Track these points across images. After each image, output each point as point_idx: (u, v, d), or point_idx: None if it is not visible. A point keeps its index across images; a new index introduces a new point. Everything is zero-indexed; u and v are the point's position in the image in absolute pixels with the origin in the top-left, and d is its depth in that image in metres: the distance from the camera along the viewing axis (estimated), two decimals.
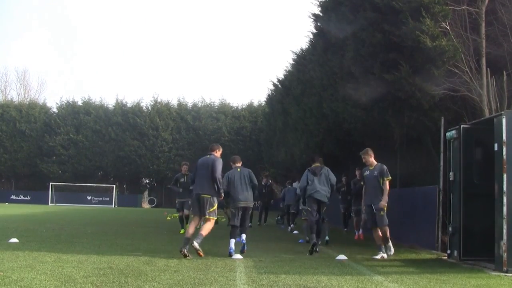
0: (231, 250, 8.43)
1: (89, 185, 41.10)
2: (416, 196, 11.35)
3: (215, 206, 8.45)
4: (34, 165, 41.32)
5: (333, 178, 9.81)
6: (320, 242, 9.89)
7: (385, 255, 8.73)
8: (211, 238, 11.97)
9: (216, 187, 8.37)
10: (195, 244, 7.99)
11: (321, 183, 9.64)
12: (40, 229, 12.79)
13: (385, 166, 8.99)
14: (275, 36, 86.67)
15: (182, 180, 13.40)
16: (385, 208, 8.81)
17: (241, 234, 9.07)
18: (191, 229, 8.34)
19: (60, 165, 41.17)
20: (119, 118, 41.25)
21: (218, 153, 8.71)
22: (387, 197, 8.83)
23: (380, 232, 8.85)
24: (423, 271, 7.23)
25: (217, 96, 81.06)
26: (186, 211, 13.17)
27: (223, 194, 8.64)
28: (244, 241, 8.91)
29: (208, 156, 8.64)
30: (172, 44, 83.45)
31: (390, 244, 8.95)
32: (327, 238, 11.00)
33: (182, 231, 12.88)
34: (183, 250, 7.90)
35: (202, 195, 8.35)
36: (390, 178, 9.01)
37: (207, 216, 8.34)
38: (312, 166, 9.98)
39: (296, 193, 11.36)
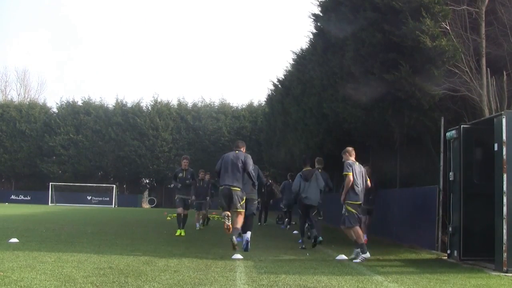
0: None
1: (89, 185, 41.09)
2: (416, 196, 11.34)
3: (244, 199, 8.78)
4: (34, 165, 41.29)
5: (321, 184, 10.30)
6: (314, 235, 9.92)
7: (363, 257, 8.34)
8: (211, 238, 12.01)
9: (251, 180, 9.00)
10: (234, 239, 8.32)
11: (312, 188, 10.16)
12: (40, 229, 12.79)
13: (346, 163, 8.73)
14: (275, 36, 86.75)
15: (180, 175, 12.81)
16: (351, 209, 8.54)
17: (245, 231, 9.17)
18: (238, 222, 8.63)
19: (60, 165, 41.16)
20: (119, 118, 41.24)
21: (244, 150, 9.03)
22: (345, 190, 8.58)
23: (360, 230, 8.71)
24: (423, 271, 7.23)
25: (217, 96, 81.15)
26: (185, 210, 12.68)
27: (256, 184, 9.33)
28: (249, 239, 9.08)
29: (236, 152, 8.88)
30: (172, 44, 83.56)
31: (358, 254, 8.38)
32: (320, 238, 10.78)
33: (181, 232, 12.33)
34: (232, 241, 8.30)
35: (232, 188, 8.57)
36: (347, 173, 8.60)
37: (238, 210, 8.57)
38: (304, 170, 10.42)
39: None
